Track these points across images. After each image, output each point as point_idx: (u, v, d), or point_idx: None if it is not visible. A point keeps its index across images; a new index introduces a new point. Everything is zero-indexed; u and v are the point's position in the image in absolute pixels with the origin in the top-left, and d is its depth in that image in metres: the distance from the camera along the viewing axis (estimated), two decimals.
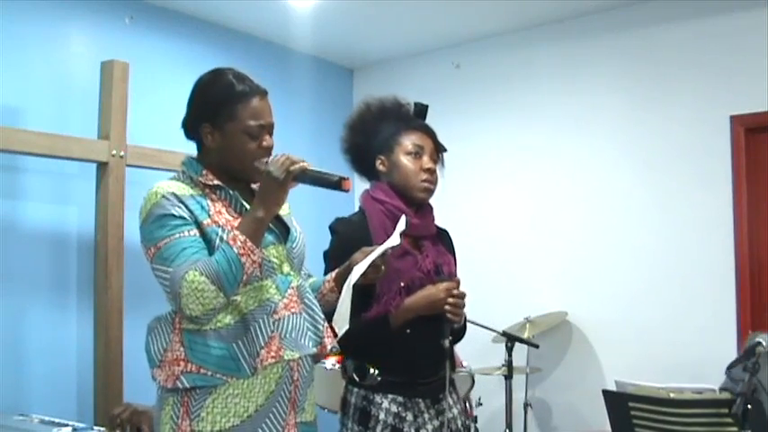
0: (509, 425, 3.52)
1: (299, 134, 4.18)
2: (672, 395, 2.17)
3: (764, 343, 2.17)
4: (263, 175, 1.77)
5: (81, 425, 2.48)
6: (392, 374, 2.14)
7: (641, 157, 3.88)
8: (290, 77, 4.45)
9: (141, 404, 2.64)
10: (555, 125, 4.18)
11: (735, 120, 3.61)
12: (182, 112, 3.80)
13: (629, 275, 3.86)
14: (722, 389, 2.73)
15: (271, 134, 1.90)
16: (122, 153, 3.18)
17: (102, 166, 3.17)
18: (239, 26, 4.17)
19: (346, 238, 2.19)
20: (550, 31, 4.21)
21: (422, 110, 2.35)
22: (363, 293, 2.09)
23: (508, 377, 3.50)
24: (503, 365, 3.52)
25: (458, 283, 2.19)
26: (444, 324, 2.13)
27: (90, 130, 3.22)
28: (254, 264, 1.74)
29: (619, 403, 2.26)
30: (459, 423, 2.26)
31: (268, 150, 1.88)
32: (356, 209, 2.34)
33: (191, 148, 3.56)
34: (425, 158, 2.24)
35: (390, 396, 2.14)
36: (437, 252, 2.27)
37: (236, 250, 1.70)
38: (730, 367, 2.68)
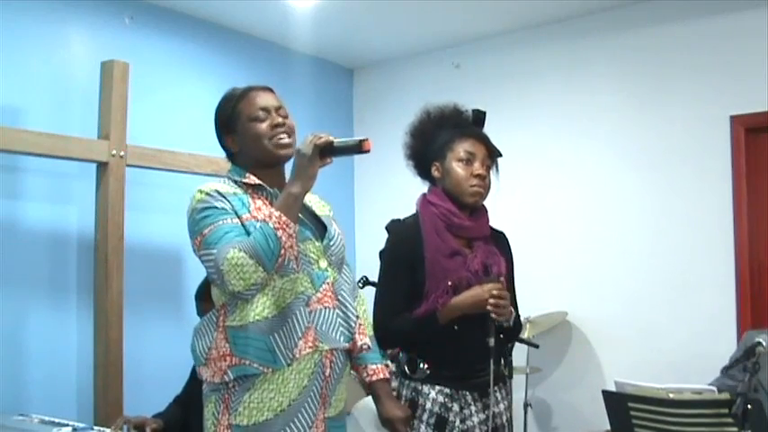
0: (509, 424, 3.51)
1: (299, 134, 4.18)
2: (672, 395, 2.17)
3: (764, 343, 2.17)
4: (294, 154, 1.89)
5: (81, 425, 2.47)
6: (441, 368, 2.26)
7: (641, 157, 3.88)
8: (290, 77, 4.45)
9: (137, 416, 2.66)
10: (555, 125, 4.18)
11: (735, 120, 3.60)
12: (182, 111, 3.83)
13: (629, 275, 3.86)
14: (720, 389, 2.74)
15: (282, 114, 2.01)
16: (122, 153, 3.18)
17: (102, 166, 3.16)
18: (239, 26, 4.17)
19: (399, 239, 2.35)
20: (550, 32, 4.21)
21: (479, 116, 2.45)
22: (413, 293, 2.26)
23: (508, 377, 3.49)
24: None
25: (503, 283, 2.27)
26: (489, 323, 2.22)
27: (90, 130, 3.22)
28: (290, 238, 1.82)
29: (618, 403, 2.27)
30: (504, 419, 2.37)
31: (282, 127, 1.98)
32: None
33: (191, 149, 3.58)
34: (476, 165, 2.33)
35: (438, 387, 2.25)
36: (488, 252, 2.35)
37: (271, 225, 1.80)
38: (729, 367, 2.69)
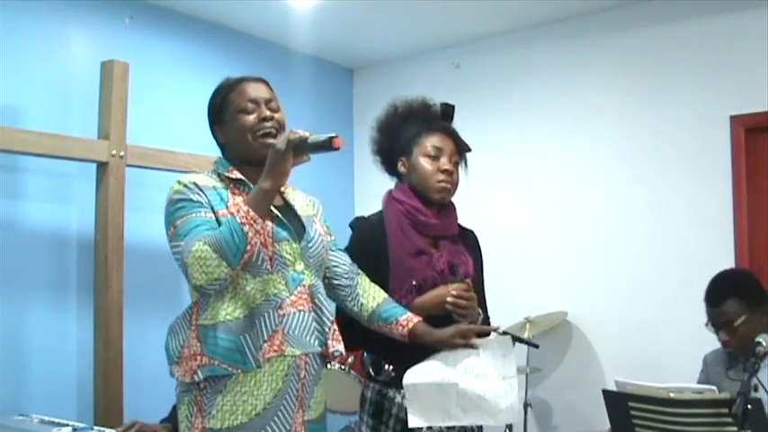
0: (509, 425, 3.52)
1: None
2: (672, 395, 2.17)
3: (764, 343, 2.17)
4: (270, 149, 1.84)
5: (81, 425, 2.47)
6: (405, 371, 2.16)
7: (641, 157, 3.88)
8: (290, 77, 4.45)
9: (150, 423, 2.65)
10: (555, 125, 4.18)
11: (735, 120, 3.60)
12: (182, 111, 3.82)
13: (629, 275, 3.86)
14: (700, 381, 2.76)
15: (271, 108, 1.97)
16: (122, 153, 3.18)
17: (102, 166, 3.17)
18: (239, 26, 4.17)
19: (363, 237, 2.26)
20: (550, 31, 4.21)
21: (447, 110, 2.38)
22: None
23: None
24: None
25: (468, 285, 2.19)
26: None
27: (90, 130, 3.22)
28: (257, 234, 1.78)
29: (619, 403, 2.26)
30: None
31: (269, 120, 1.94)
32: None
33: (191, 149, 3.58)
34: (443, 160, 2.26)
35: (403, 391, 2.15)
36: (454, 251, 2.28)
37: (238, 220, 1.76)
38: (730, 367, 2.69)
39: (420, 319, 2.08)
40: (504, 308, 3.92)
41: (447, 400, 2.02)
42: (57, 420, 2.53)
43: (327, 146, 1.82)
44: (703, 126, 3.69)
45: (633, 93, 3.93)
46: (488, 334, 2.12)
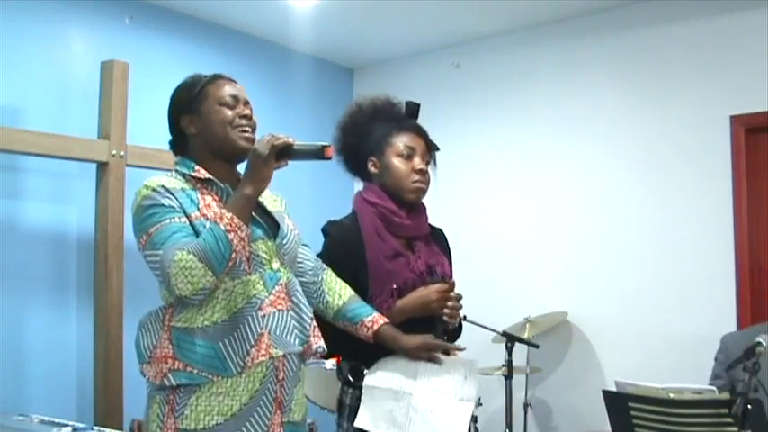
0: (509, 425, 3.52)
1: (299, 134, 4.15)
2: (672, 395, 2.17)
3: (764, 343, 2.17)
4: (250, 153, 1.79)
5: (81, 425, 2.48)
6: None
7: (641, 157, 3.88)
8: (290, 77, 4.45)
9: None
10: (555, 125, 4.18)
11: (735, 120, 3.60)
12: None
13: (629, 275, 3.86)
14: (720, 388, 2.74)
15: (249, 109, 1.94)
16: (122, 153, 3.19)
17: (102, 166, 3.17)
18: (239, 26, 4.18)
19: (339, 241, 2.20)
20: (550, 31, 4.21)
21: (413, 109, 2.33)
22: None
23: (508, 377, 3.50)
24: (503, 365, 3.53)
25: (451, 284, 2.17)
26: (437, 325, 2.13)
27: (90, 130, 3.22)
28: (241, 241, 1.74)
29: (619, 403, 2.27)
30: None
31: (248, 119, 1.91)
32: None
33: None
34: (417, 160, 2.22)
35: None
36: (430, 252, 2.26)
37: (222, 227, 1.71)
38: (730, 367, 2.68)
39: (387, 321, 2.05)
40: (504, 308, 3.95)
41: (397, 409, 1.99)
42: (57, 420, 2.53)
43: (319, 155, 1.77)
44: (703, 126, 3.69)
45: (633, 93, 3.93)
46: (451, 353, 2.10)
